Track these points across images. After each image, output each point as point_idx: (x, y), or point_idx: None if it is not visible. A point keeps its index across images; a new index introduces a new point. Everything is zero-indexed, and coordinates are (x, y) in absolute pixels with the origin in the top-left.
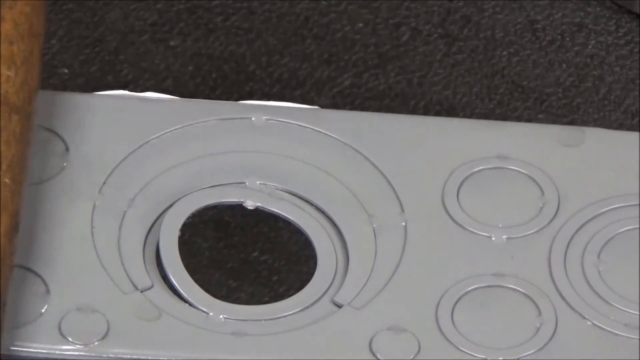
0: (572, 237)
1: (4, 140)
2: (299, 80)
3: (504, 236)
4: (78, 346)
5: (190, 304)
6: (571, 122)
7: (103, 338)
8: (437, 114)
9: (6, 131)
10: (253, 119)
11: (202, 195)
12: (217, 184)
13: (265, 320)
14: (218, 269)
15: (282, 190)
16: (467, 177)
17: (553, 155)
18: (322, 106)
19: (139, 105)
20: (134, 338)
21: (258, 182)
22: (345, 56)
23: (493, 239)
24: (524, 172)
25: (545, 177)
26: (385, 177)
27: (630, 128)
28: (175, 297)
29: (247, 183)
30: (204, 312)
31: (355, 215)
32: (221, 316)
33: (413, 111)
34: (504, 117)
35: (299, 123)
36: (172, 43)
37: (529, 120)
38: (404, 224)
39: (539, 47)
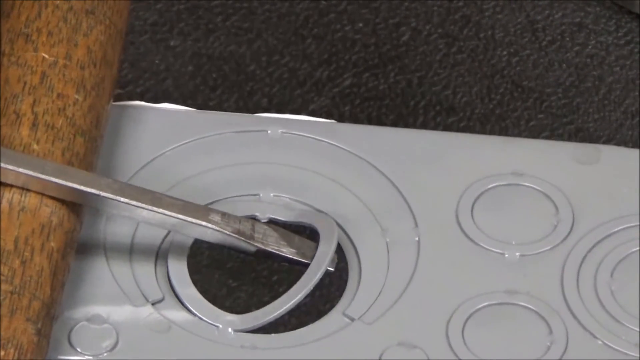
0: (586, 255)
1: (67, 161)
2: (299, 80)
3: (517, 253)
4: (87, 357)
5: (200, 318)
6: (571, 122)
7: (112, 349)
8: (437, 113)
9: (69, 152)
10: (269, 131)
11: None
12: (232, 195)
13: (275, 333)
14: (218, 269)
15: (296, 202)
16: (481, 193)
17: (568, 172)
18: (322, 106)
19: (155, 117)
20: (143, 350)
21: (272, 194)
22: (346, 56)
23: (506, 255)
24: (539, 189)
25: (560, 194)
26: (400, 192)
27: (630, 128)
28: (186, 310)
29: (261, 195)
30: (214, 325)
31: (368, 228)
32: (230, 329)
33: (413, 111)
34: (503, 117)
35: (315, 136)
36: (172, 43)
37: (529, 120)
38: (417, 239)
39: (539, 47)
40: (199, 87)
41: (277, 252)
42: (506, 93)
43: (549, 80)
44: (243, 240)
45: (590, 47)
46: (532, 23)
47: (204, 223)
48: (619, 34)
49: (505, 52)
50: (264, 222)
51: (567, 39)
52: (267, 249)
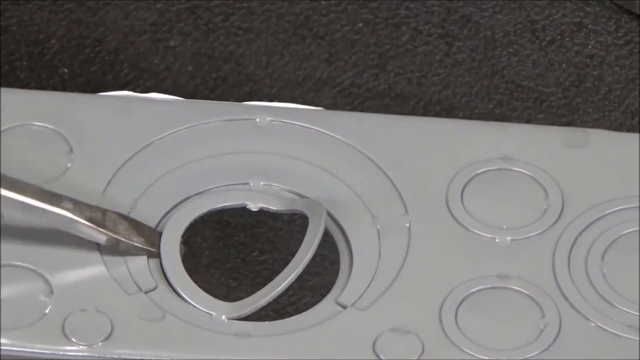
0: (576, 238)
1: None
2: (299, 80)
3: (507, 238)
4: (81, 347)
5: (194, 306)
6: (571, 122)
7: (107, 339)
8: (437, 113)
9: None
10: (257, 120)
11: (204, 200)
12: (221, 184)
13: (269, 321)
14: (218, 269)
15: (286, 191)
16: (471, 179)
17: (557, 157)
18: (322, 106)
19: (143, 106)
20: (138, 339)
21: (262, 183)
22: (345, 56)
23: (497, 240)
24: (528, 173)
25: (549, 178)
26: (390, 179)
27: (630, 128)
28: (179, 298)
29: (251, 184)
30: (208, 313)
31: (359, 216)
32: (224, 317)
33: (413, 111)
34: (503, 117)
35: (303, 124)
36: (172, 43)
37: (529, 120)
38: (408, 225)
39: (539, 47)
40: (198, 87)
41: (127, 240)
42: (506, 93)
43: (549, 80)
44: (94, 228)
45: (590, 47)
46: (532, 23)
47: (56, 210)
48: (619, 34)
49: (505, 52)
50: (114, 212)
51: (567, 39)
52: (117, 237)
